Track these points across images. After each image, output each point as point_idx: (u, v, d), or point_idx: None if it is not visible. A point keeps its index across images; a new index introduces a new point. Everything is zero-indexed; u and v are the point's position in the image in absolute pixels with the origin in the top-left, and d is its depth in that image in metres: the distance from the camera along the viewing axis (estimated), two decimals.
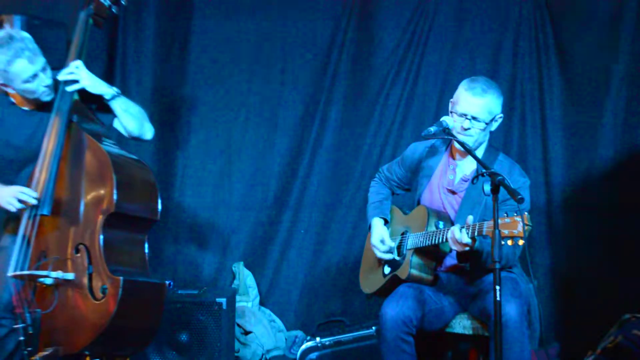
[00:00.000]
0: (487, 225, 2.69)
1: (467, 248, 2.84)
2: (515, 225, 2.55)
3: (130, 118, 3.24)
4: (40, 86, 3.13)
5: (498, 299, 2.56)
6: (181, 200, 4.74)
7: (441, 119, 3.02)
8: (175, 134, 4.75)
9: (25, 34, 3.13)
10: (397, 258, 3.21)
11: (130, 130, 3.26)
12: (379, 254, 3.27)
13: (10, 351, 3.10)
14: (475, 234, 2.76)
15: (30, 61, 3.07)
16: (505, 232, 2.58)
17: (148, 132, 3.33)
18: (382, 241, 3.25)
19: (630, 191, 4.21)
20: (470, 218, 2.83)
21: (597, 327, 3.95)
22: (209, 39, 4.79)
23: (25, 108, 3.22)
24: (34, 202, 3.01)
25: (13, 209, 3.04)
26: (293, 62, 4.77)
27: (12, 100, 3.23)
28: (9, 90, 3.16)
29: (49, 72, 3.15)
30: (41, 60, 3.12)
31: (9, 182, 3.14)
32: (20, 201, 3.02)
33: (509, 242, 2.57)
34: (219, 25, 4.78)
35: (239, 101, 4.80)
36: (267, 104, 4.79)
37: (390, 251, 3.24)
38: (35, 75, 3.10)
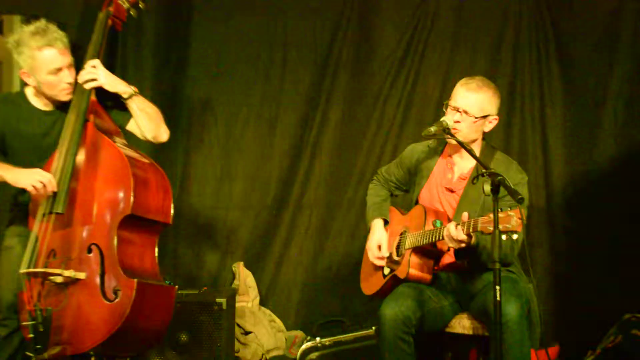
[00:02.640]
0: (482, 221, 2.70)
1: (464, 245, 2.84)
2: (509, 220, 2.56)
3: (147, 118, 3.23)
4: (62, 82, 3.13)
5: (498, 298, 2.56)
6: (181, 200, 4.74)
7: (441, 119, 3.04)
8: (175, 134, 4.73)
9: (61, 31, 3.15)
10: (396, 258, 3.21)
11: (145, 131, 3.25)
12: (372, 258, 3.29)
13: (12, 352, 3.11)
14: (470, 230, 2.77)
15: (60, 53, 3.09)
16: (499, 226, 2.58)
17: (164, 133, 3.32)
18: (379, 247, 3.27)
19: (630, 191, 4.21)
20: (465, 215, 2.84)
21: (597, 327, 3.96)
22: (209, 39, 4.78)
23: (43, 107, 3.23)
24: (53, 187, 2.99)
25: (32, 189, 3.00)
26: (293, 62, 4.77)
27: (30, 97, 3.23)
28: (30, 81, 3.16)
29: (73, 72, 3.16)
30: (70, 58, 3.14)
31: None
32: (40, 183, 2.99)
33: (504, 237, 2.57)
34: (219, 25, 4.78)
35: (239, 101, 4.80)
36: (267, 104, 4.79)
37: (384, 257, 3.25)
38: (60, 69, 3.11)
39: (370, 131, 4.68)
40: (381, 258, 3.26)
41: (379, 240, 3.29)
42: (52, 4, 4.48)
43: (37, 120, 3.20)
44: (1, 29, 3.90)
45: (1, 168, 3.07)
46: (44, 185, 2.98)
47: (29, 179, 2.99)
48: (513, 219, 2.55)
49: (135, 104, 3.21)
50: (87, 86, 3.14)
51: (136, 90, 3.22)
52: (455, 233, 2.82)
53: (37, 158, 3.13)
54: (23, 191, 3.17)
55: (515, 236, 2.57)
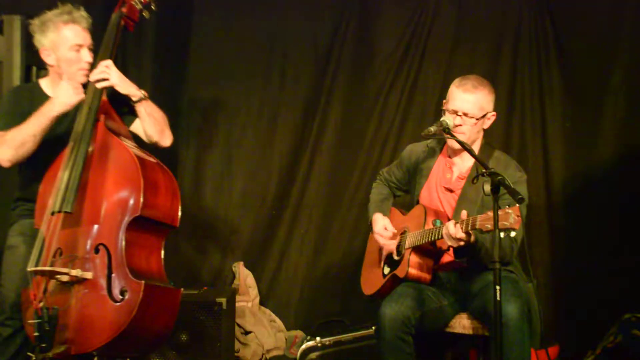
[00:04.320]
0: (480, 219, 2.70)
1: (462, 243, 2.85)
2: (507, 217, 2.55)
3: (153, 123, 3.27)
4: (82, 60, 3.19)
5: (498, 298, 2.56)
6: (181, 200, 4.73)
7: (441, 119, 3.04)
8: (175, 134, 4.69)
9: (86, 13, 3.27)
10: (396, 258, 3.22)
11: (150, 135, 3.29)
12: (383, 241, 3.27)
13: (14, 352, 3.10)
14: (469, 228, 2.77)
15: (83, 30, 3.20)
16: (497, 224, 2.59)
17: (167, 138, 3.36)
18: (386, 229, 3.27)
19: (630, 191, 4.21)
20: (464, 213, 2.84)
21: (597, 327, 3.96)
22: (209, 39, 4.79)
23: (51, 95, 3.23)
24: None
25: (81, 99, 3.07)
26: (293, 62, 4.78)
27: (44, 88, 3.28)
28: (49, 59, 3.22)
29: (92, 54, 3.22)
30: (91, 40, 3.23)
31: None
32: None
33: (502, 235, 2.57)
34: (219, 25, 4.79)
35: (239, 101, 4.80)
36: (267, 104, 4.79)
37: (393, 238, 3.25)
38: (81, 46, 3.19)
39: (370, 131, 4.68)
40: (391, 237, 3.25)
41: (383, 225, 3.28)
42: (52, 5, 4.47)
43: None
44: (1, 29, 3.90)
45: (40, 113, 3.08)
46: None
47: (72, 95, 3.06)
48: (511, 217, 2.54)
49: (143, 108, 3.24)
50: (99, 85, 3.15)
51: (146, 94, 3.24)
52: (454, 231, 2.82)
53: (50, 146, 3.13)
54: (27, 190, 3.19)
55: (513, 233, 2.56)
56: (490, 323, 2.90)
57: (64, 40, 3.18)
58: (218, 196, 4.80)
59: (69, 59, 3.19)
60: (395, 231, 3.26)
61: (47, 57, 3.23)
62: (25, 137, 3.07)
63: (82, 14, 3.21)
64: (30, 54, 3.84)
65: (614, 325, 3.87)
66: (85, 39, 3.21)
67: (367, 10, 4.71)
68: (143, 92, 3.24)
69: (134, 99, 3.21)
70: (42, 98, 3.22)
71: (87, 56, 3.21)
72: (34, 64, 3.86)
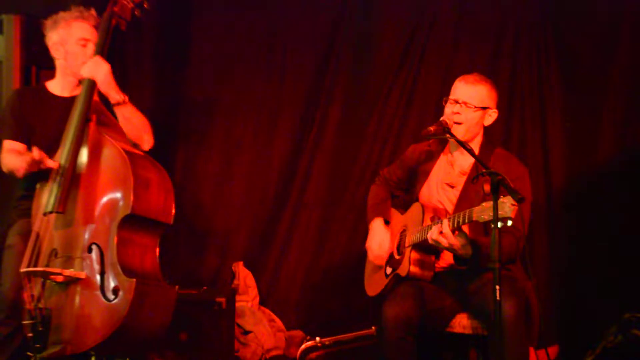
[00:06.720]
0: (476, 211, 2.69)
1: (452, 243, 2.84)
2: (502, 206, 2.55)
3: (131, 128, 3.27)
4: (87, 55, 3.27)
5: (498, 298, 2.56)
6: (181, 199, 4.69)
7: (441, 119, 3.04)
8: (175, 134, 4.75)
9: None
10: (397, 257, 3.22)
11: (130, 138, 3.29)
12: (371, 257, 3.29)
13: (13, 351, 3.11)
14: (466, 220, 2.77)
15: (91, 27, 3.31)
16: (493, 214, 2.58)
17: (146, 143, 3.34)
18: (380, 246, 3.27)
19: (631, 191, 4.21)
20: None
21: (597, 327, 3.95)
22: (209, 39, 4.79)
23: (59, 93, 3.31)
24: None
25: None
26: (293, 61, 4.77)
27: (50, 87, 3.35)
28: (58, 53, 3.32)
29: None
30: (95, 37, 3.31)
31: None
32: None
33: (499, 225, 2.57)
34: (219, 25, 4.79)
35: (239, 101, 4.80)
36: (267, 104, 4.79)
37: (385, 256, 3.25)
38: (88, 41, 3.29)
39: (370, 131, 4.67)
40: (381, 256, 3.26)
41: (379, 240, 3.29)
42: (52, 4, 4.47)
43: (55, 106, 3.27)
44: (1, 29, 3.91)
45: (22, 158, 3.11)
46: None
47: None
48: (506, 205, 2.54)
49: (121, 112, 3.24)
50: (86, 78, 3.17)
51: (126, 99, 3.24)
52: (446, 230, 2.81)
53: (50, 144, 3.15)
54: (27, 189, 3.20)
55: (510, 222, 2.55)
56: (487, 322, 2.90)
57: (73, 34, 3.28)
58: (218, 195, 4.80)
59: (75, 53, 3.28)
60: (390, 253, 3.26)
61: (56, 52, 3.32)
62: (14, 168, 3.15)
63: (91, 13, 3.34)
64: (30, 54, 3.85)
65: (614, 325, 3.86)
66: (93, 35, 3.30)
67: (368, 10, 4.70)
68: (123, 96, 3.23)
69: (112, 101, 3.22)
70: (49, 100, 3.27)
71: (92, 51, 3.26)
72: (33, 64, 3.87)
